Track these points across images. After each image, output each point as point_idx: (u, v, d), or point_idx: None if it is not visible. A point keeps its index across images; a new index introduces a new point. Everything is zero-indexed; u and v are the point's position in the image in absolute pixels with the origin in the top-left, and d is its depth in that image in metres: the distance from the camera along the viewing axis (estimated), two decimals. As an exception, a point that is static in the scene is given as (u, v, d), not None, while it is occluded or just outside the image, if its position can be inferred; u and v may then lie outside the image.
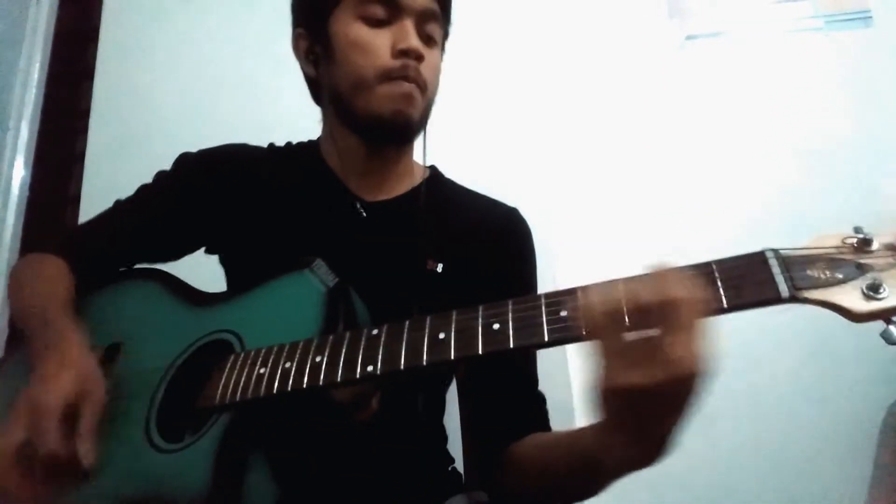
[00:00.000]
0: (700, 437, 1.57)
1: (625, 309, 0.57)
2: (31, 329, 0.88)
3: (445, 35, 1.05)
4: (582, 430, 0.74)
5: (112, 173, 1.88)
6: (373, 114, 0.95)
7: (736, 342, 1.61)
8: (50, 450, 0.73)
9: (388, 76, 0.93)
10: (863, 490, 1.38)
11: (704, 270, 0.59)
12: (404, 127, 0.97)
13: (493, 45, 1.89)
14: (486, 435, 0.95)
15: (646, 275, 0.58)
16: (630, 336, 0.57)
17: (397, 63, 0.93)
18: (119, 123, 1.97)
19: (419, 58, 0.94)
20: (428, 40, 0.97)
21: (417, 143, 1.04)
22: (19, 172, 2.00)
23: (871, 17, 1.81)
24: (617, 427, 0.62)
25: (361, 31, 0.95)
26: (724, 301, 0.57)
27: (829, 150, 1.74)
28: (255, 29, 1.98)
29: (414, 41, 0.93)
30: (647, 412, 0.58)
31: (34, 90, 2.03)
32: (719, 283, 0.58)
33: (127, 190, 1.10)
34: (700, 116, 1.83)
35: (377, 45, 0.94)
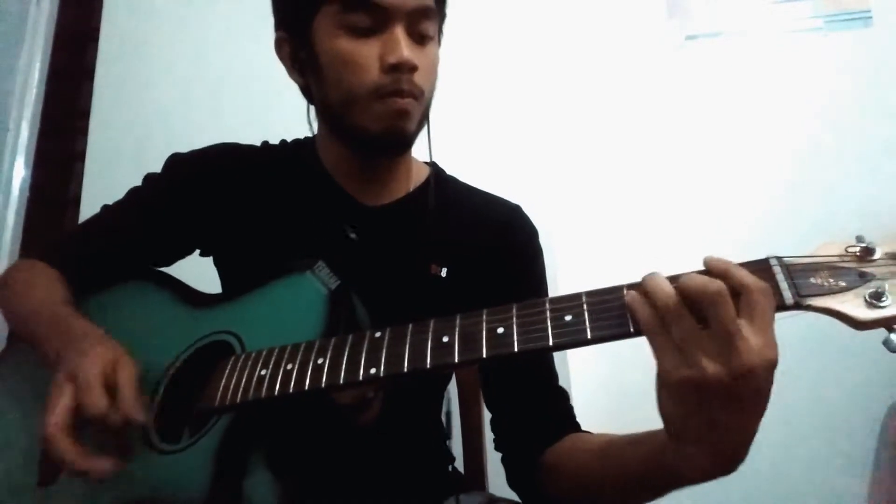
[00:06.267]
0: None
1: (686, 299, 0.56)
2: (39, 333, 0.87)
3: (442, 21, 0.95)
4: (638, 437, 0.69)
5: (112, 173, 1.88)
6: (365, 131, 0.89)
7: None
8: (100, 411, 0.70)
9: (379, 93, 0.86)
10: (863, 490, 1.38)
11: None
12: (400, 142, 0.92)
13: (494, 44, 1.89)
14: (517, 440, 0.93)
15: (699, 270, 0.58)
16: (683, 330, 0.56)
17: (388, 79, 0.85)
18: (119, 123, 1.97)
19: (412, 69, 0.86)
20: (421, 39, 0.89)
21: (418, 140, 0.97)
22: (19, 172, 2.00)
23: (870, 18, 1.81)
24: (685, 432, 0.58)
25: (346, 44, 0.86)
26: None
27: (829, 150, 1.74)
28: (255, 28, 1.97)
29: (405, 52, 0.84)
30: (721, 411, 0.56)
31: (34, 90, 2.03)
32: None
33: (127, 190, 1.10)
34: (700, 116, 1.83)
35: (365, 59, 0.86)
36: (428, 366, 0.65)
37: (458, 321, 0.66)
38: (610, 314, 0.60)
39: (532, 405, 0.93)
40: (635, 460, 0.69)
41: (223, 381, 0.76)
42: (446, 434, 1.09)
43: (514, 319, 0.63)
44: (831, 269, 0.58)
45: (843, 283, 0.56)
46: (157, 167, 1.08)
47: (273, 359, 0.74)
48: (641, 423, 0.69)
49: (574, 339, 0.60)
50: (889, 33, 1.80)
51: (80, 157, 1.97)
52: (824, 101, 1.78)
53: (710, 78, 1.85)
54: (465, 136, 1.75)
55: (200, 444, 0.74)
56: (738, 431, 0.57)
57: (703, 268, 0.59)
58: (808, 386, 1.59)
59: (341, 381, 0.68)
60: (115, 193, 1.08)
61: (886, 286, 0.55)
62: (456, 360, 0.64)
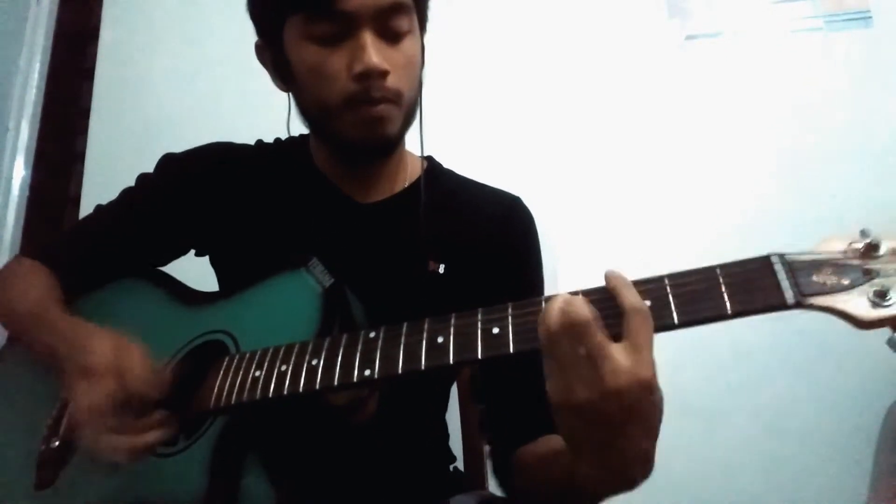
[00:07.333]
0: (700, 437, 1.57)
1: (565, 325, 0.57)
2: (34, 335, 0.88)
3: (421, 10, 0.92)
4: (562, 448, 0.70)
5: (112, 173, 1.86)
6: (344, 139, 0.88)
7: (736, 343, 1.61)
8: (123, 396, 0.73)
9: (351, 103, 0.84)
10: (863, 490, 1.38)
11: (709, 275, 0.58)
12: (380, 147, 0.91)
13: (495, 43, 1.89)
14: (498, 434, 0.94)
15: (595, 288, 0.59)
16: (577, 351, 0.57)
17: (358, 87, 0.83)
18: (119, 123, 1.97)
19: (382, 74, 0.83)
20: (395, 36, 0.86)
21: (412, 133, 0.96)
22: (19, 172, 2.00)
23: (870, 17, 1.81)
24: (577, 448, 0.61)
25: (315, 54, 0.84)
26: (729, 307, 0.56)
27: (828, 150, 1.74)
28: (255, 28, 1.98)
29: (371, 59, 0.81)
30: (599, 431, 0.57)
31: (34, 90, 2.03)
32: (724, 289, 0.57)
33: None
34: (700, 116, 1.82)
35: (333, 68, 0.84)
36: (422, 367, 0.65)
37: (452, 321, 0.66)
38: (603, 314, 0.59)
39: (515, 402, 0.93)
40: (558, 471, 0.71)
41: (217, 382, 0.76)
42: (447, 434, 1.09)
43: (510, 319, 0.63)
44: (834, 266, 0.56)
45: (847, 282, 0.54)
46: (158, 167, 1.09)
47: (267, 360, 0.74)
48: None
49: None
50: (889, 33, 1.79)
51: (80, 157, 1.98)
52: (824, 101, 1.77)
53: (710, 78, 1.85)
54: (466, 135, 1.75)
55: (195, 446, 0.75)
56: (624, 451, 0.58)
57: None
58: (808, 386, 1.58)
59: (335, 383, 0.68)
60: (115, 193, 1.08)
61: (891, 284, 0.53)
62: (451, 362, 0.64)
